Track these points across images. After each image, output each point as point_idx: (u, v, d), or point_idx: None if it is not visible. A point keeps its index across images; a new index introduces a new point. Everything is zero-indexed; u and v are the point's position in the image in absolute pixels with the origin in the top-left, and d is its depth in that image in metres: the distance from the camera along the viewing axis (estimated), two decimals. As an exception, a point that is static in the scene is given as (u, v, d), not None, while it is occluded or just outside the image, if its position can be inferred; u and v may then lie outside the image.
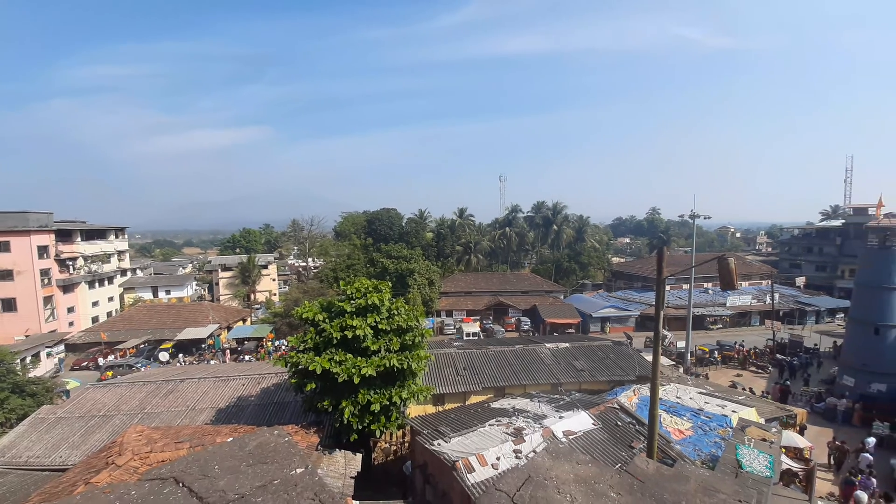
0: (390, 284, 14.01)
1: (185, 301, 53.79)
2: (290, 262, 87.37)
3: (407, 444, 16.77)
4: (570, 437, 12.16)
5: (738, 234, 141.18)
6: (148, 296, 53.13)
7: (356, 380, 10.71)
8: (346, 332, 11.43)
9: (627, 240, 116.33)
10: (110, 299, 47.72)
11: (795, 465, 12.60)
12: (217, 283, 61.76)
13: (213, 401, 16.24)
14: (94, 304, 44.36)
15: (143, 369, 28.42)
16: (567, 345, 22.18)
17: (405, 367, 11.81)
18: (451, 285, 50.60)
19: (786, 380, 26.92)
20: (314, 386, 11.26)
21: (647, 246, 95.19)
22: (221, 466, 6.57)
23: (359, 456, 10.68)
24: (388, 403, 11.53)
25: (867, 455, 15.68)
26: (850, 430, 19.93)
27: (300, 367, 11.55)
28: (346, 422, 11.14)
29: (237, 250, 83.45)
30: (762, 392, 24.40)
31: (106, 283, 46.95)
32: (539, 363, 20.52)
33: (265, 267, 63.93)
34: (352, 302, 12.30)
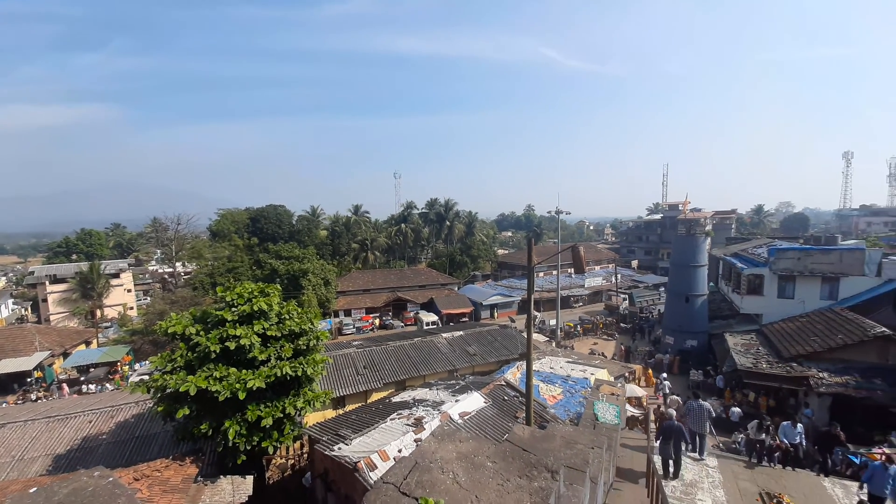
0: (280, 288, 13.12)
1: (-7, 326, 41.57)
2: (151, 268, 74.05)
3: (306, 455, 16.03)
4: (465, 417, 13.17)
5: (591, 227, 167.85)
6: (-70, 324, 39.65)
7: (241, 395, 9.85)
8: (227, 344, 10.39)
9: (509, 233, 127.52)
10: None
11: (636, 412, 15.83)
12: (45, 300, 49.12)
13: (48, 446, 13.13)
14: None
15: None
16: (461, 333, 23.68)
17: (300, 373, 11.25)
18: (348, 284, 49.17)
19: (635, 341, 33.50)
20: (188, 410, 10.02)
21: (525, 239, 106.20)
22: (19, 526, 5.43)
23: (249, 478, 9.90)
24: (281, 416, 10.87)
25: (675, 397, 20.11)
26: (673, 378, 25.54)
27: (168, 390, 10.14)
28: (231, 444, 10.19)
29: (74, 257, 67.41)
30: (612, 355, 29.73)
31: None
32: (437, 353, 21.52)
33: (116, 276, 52.97)
34: (233, 309, 11.21)
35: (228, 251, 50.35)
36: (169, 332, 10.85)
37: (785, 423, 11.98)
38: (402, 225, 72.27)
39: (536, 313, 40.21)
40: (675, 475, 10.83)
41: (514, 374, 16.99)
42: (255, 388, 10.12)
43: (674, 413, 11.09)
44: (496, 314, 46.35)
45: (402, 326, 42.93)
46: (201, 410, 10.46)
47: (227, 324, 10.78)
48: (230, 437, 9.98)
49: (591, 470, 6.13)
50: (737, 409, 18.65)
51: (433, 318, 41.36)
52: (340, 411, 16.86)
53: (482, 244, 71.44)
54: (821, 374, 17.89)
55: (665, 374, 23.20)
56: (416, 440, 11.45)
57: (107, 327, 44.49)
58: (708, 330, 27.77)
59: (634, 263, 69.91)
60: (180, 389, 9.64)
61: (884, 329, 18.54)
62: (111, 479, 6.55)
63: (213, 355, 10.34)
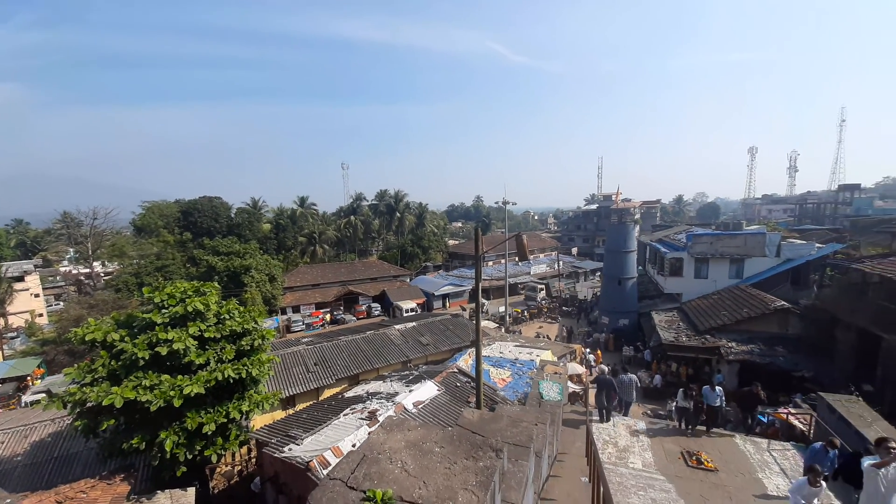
0: (218, 286, 12.33)
1: None
2: (63, 269, 65.77)
3: (254, 460, 15.40)
4: (420, 406, 13.37)
5: (536, 217, 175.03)
6: None
7: (177, 403, 9.22)
8: (158, 349, 9.65)
9: (459, 224, 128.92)
10: None
11: (577, 388, 17.04)
12: (-74, 311, 41.83)
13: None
14: None
15: None
16: (414, 323, 23.81)
17: (244, 375, 10.75)
18: (296, 279, 47.21)
19: (579, 321, 35.80)
20: (112, 422, 9.21)
21: (474, 229, 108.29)
22: None
23: (191, 490, 9.35)
24: (225, 421, 10.35)
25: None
26: (608, 354, 27.68)
27: (90, 404, 9.24)
28: (169, 455, 9.53)
29: (-37, 260, 58.01)
30: (556, 336, 31.58)
31: None
32: (390, 345, 21.49)
33: (20, 279, 46.51)
34: (163, 311, 10.40)
35: (157, 248, 46.06)
36: (87, 339, 9.82)
37: (705, 387, 13.25)
38: (352, 217, 70.50)
39: (484, 301, 41.50)
40: (607, 419, 13.01)
41: (466, 360, 17.46)
42: (193, 395, 9.52)
43: (606, 370, 12.63)
44: (448, 304, 47.01)
45: (355, 320, 42.17)
46: (131, 423, 9.67)
47: (157, 327, 9.99)
48: (168, 448, 9.34)
49: (535, 445, 6.54)
50: (658, 377, 20.96)
51: (412, 304, 41.16)
52: (290, 411, 16.36)
53: (433, 235, 71.70)
54: (730, 344, 20.35)
55: (588, 350, 25.57)
56: (370, 433, 11.45)
57: (12, 338, 39.12)
58: (638, 309, 30.31)
59: (574, 250, 74.28)
60: (103, 403, 8.81)
61: (783, 303, 21.39)
62: (9, 500, 6.03)
63: (142, 362, 9.56)
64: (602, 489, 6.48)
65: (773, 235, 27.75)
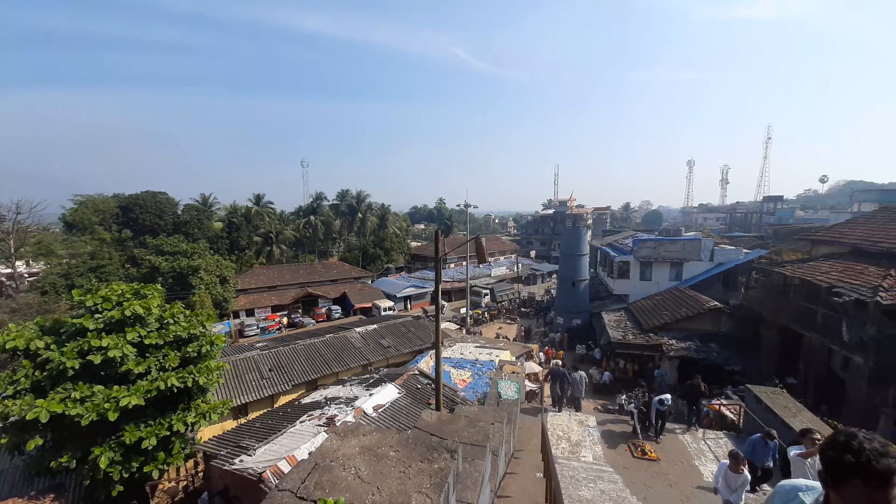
0: (162, 288, 11.57)
1: None
2: (-24, 269, 58.33)
3: (201, 474, 14.54)
4: (380, 410, 13.27)
5: (496, 220, 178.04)
6: None
7: (112, 416, 8.55)
8: (90, 358, 8.89)
9: (422, 226, 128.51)
10: None
11: (533, 386, 17.63)
12: None
13: None
14: None
15: None
16: (375, 326, 23.55)
17: (189, 384, 10.14)
18: (251, 281, 44.97)
19: (538, 321, 36.98)
20: (41, 441, 8.40)
21: (435, 231, 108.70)
22: None
23: (128, 508, 8.72)
24: (167, 434, 9.71)
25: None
26: (563, 352, 28.79)
27: (12, 418, 8.38)
28: (104, 473, 8.80)
29: None
30: (514, 337, 32.46)
31: None
32: (350, 348, 21.12)
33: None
34: (97, 316, 9.60)
35: (91, 246, 42.18)
36: (7, 347, 8.88)
37: (655, 398, 13.60)
38: (312, 217, 68.33)
39: (444, 303, 41.84)
40: (560, 408, 14.05)
41: (427, 362, 17.52)
42: (131, 407, 8.86)
43: (559, 362, 13.29)
44: (410, 306, 46.82)
45: (314, 323, 40.90)
46: (60, 439, 8.85)
47: (90, 333, 9.21)
48: (103, 466, 8.62)
49: (491, 444, 6.71)
50: (607, 373, 22.18)
51: (389, 304, 40.46)
52: (242, 420, 15.64)
53: (395, 237, 71.02)
54: (670, 342, 21.89)
55: (545, 348, 26.95)
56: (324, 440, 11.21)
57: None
58: (590, 310, 31.87)
59: (532, 253, 76.72)
60: (27, 417, 8.00)
61: (716, 303, 23.29)
62: None
63: (71, 372, 8.77)
64: (553, 484, 6.79)
65: (708, 241, 30.31)
